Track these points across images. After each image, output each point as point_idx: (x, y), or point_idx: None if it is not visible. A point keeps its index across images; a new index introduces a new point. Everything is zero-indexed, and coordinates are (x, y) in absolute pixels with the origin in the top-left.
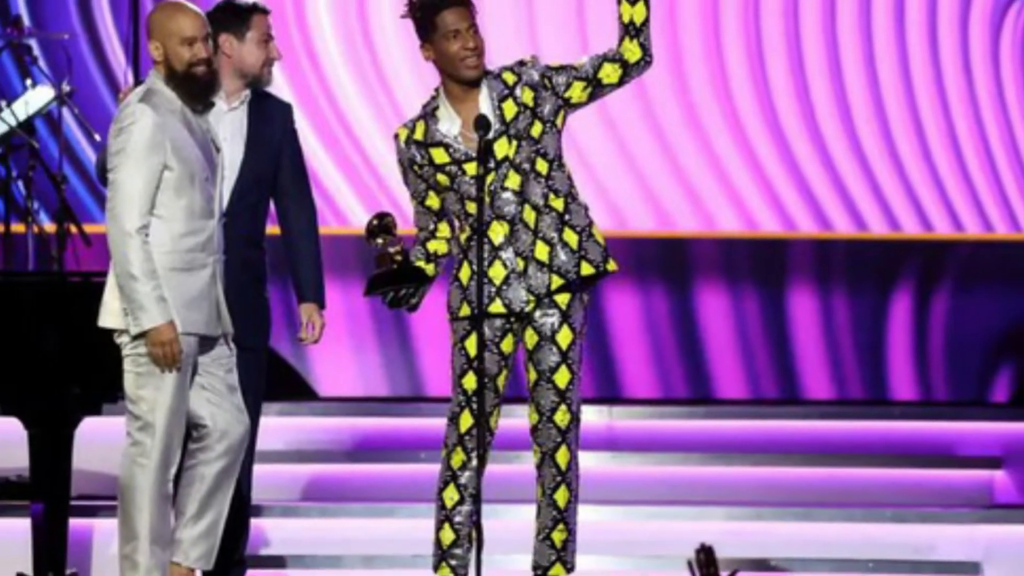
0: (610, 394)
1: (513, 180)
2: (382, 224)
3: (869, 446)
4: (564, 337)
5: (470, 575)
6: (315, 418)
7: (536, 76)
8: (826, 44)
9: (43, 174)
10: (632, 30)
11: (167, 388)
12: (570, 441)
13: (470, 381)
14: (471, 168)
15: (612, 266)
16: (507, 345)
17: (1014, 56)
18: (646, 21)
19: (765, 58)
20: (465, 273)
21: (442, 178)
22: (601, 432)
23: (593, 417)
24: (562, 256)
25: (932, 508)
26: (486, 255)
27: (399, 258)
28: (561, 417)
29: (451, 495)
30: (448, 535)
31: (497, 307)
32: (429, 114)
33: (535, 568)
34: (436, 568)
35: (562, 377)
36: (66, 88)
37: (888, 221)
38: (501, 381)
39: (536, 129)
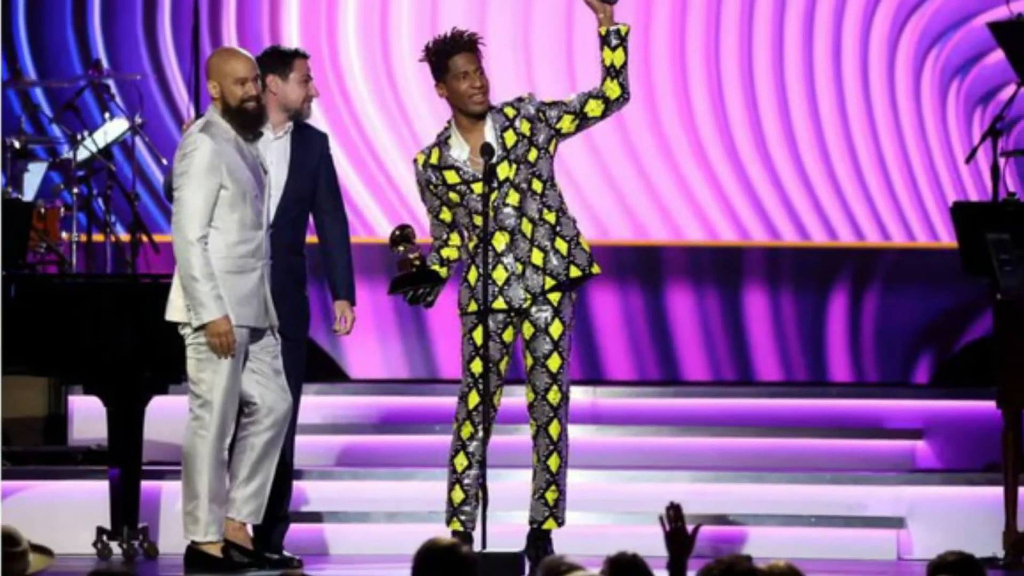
0: (594, 376)
1: (513, 197)
2: (403, 234)
3: (811, 420)
4: (556, 329)
5: (477, 529)
6: (346, 396)
7: (532, 110)
8: (775, 84)
9: (119, 192)
10: (613, 72)
11: (223, 371)
12: (561, 416)
13: (477, 366)
14: (478, 187)
15: (596, 269)
16: (508, 336)
17: (932, 94)
18: (624, 65)
19: (724, 95)
20: (472, 275)
21: (453, 196)
22: (587, 408)
23: (580, 396)
24: (554, 261)
25: (864, 472)
26: (490, 260)
27: (417, 263)
28: (553, 396)
29: (461, 461)
30: (458, 495)
31: (499, 304)
32: (442, 142)
33: (531, 522)
34: (448, 522)
35: (554, 362)
36: (138, 120)
37: (827, 231)
38: (503, 366)
39: (532, 155)
